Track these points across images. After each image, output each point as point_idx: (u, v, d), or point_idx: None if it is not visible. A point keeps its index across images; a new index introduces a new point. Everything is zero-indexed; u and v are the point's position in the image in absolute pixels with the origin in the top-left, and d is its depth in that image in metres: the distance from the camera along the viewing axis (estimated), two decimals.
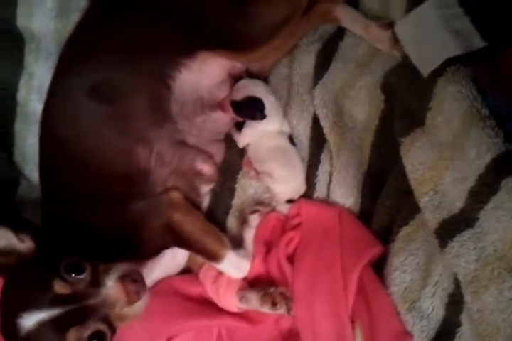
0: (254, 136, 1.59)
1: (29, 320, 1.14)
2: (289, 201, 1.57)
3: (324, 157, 1.54)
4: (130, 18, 1.50)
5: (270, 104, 1.57)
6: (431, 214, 1.21)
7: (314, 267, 1.42)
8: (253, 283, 1.48)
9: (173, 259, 1.55)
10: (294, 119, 1.59)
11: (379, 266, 1.39)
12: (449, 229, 1.16)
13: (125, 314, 1.23)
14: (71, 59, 1.53)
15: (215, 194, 1.65)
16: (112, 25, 1.50)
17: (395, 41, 1.37)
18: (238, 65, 1.61)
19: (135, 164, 1.45)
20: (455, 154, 1.16)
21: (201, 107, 1.56)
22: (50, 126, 1.52)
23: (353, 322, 1.35)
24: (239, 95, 1.56)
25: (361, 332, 1.33)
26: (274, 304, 1.39)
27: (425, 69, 1.21)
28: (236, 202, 1.63)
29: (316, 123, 1.56)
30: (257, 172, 1.58)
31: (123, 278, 1.21)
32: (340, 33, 1.56)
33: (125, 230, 1.40)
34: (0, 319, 1.22)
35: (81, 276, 1.19)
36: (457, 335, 1.20)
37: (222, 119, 1.61)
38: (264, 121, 1.56)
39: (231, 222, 1.63)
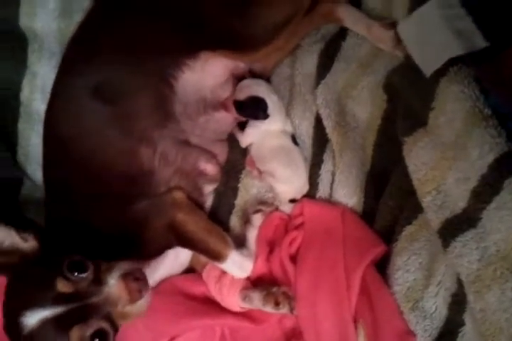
0: (257, 135, 1.60)
1: (32, 318, 1.15)
2: (292, 200, 1.57)
3: (327, 156, 1.54)
4: (133, 18, 1.50)
5: (273, 103, 1.57)
6: (433, 214, 1.21)
7: (317, 267, 1.42)
8: (256, 283, 1.49)
9: (176, 259, 1.55)
10: (297, 119, 1.59)
11: (382, 266, 1.39)
12: (452, 229, 1.16)
13: (127, 312, 1.24)
14: (74, 59, 1.54)
15: (218, 193, 1.66)
16: (115, 25, 1.50)
17: (398, 41, 1.36)
18: (241, 65, 1.61)
19: (138, 164, 1.46)
20: (458, 154, 1.16)
21: (204, 107, 1.56)
22: (54, 126, 1.53)
23: (355, 321, 1.35)
24: (242, 95, 1.57)
25: (364, 331, 1.33)
26: (276, 303, 1.39)
27: (428, 69, 1.21)
28: (239, 201, 1.64)
29: (318, 122, 1.56)
30: (260, 172, 1.58)
31: (125, 277, 1.22)
32: (342, 33, 1.56)
33: (128, 230, 1.40)
34: (3, 317, 1.22)
35: (83, 275, 1.20)
36: (460, 335, 1.20)
37: (225, 119, 1.61)
38: (266, 121, 1.57)
39: (234, 221, 1.64)
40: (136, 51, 1.47)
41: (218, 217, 1.64)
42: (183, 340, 1.50)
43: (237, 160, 1.66)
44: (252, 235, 1.55)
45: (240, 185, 1.64)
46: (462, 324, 1.20)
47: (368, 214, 1.49)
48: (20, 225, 1.29)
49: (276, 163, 1.55)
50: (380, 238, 1.42)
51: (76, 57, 1.54)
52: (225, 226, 1.61)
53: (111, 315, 1.21)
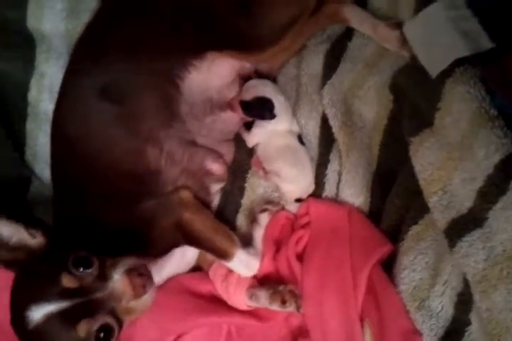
0: (263, 135, 1.60)
1: (38, 313, 1.16)
2: (298, 200, 1.57)
3: (333, 156, 1.54)
4: (140, 19, 1.51)
5: (279, 103, 1.58)
6: (440, 214, 1.21)
7: (324, 266, 1.42)
8: (263, 281, 1.49)
9: (183, 257, 1.56)
10: (303, 119, 1.60)
11: (388, 265, 1.40)
12: (458, 229, 1.17)
13: (132, 307, 1.24)
14: (82, 59, 1.55)
15: (224, 193, 1.67)
16: (122, 26, 1.51)
17: (404, 41, 1.36)
18: (247, 65, 1.62)
19: (145, 164, 1.47)
20: (464, 154, 1.16)
21: (210, 107, 1.57)
22: (61, 126, 1.54)
23: (362, 320, 1.36)
24: (248, 95, 1.57)
25: (370, 330, 1.34)
26: (283, 302, 1.40)
27: (434, 69, 1.21)
28: (246, 201, 1.65)
29: (325, 122, 1.56)
30: (266, 172, 1.58)
31: (129, 272, 1.22)
32: (348, 33, 1.56)
33: (135, 228, 1.41)
34: (10, 312, 1.24)
35: (88, 270, 1.21)
36: (466, 334, 1.20)
37: (232, 119, 1.62)
38: (273, 121, 1.58)
39: (241, 220, 1.65)
40: (142, 52, 1.48)
41: (225, 216, 1.65)
42: (190, 338, 1.50)
43: (243, 159, 1.66)
44: (258, 234, 1.56)
45: (246, 184, 1.65)
46: (468, 323, 1.20)
47: (374, 214, 1.49)
48: (28, 223, 1.30)
49: (283, 162, 1.56)
50: (386, 237, 1.42)
51: (83, 57, 1.55)
52: (232, 226, 1.62)
53: (116, 311, 1.22)
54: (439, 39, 1.21)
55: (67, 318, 1.16)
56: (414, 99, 1.33)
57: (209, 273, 1.54)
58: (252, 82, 1.62)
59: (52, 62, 1.75)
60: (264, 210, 1.57)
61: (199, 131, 1.55)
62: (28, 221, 1.31)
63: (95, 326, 1.18)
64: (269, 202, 1.61)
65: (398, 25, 1.40)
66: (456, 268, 1.22)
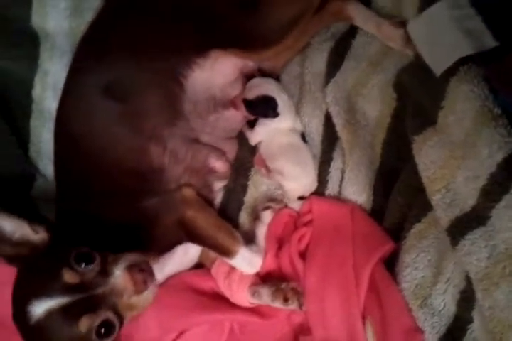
0: (266, 133, 1.60)
1: (39, 308, 1.17)
2: (301, 198, 1.58)
3: (336, 154, 1.55)
4: (143, 17, 1.51)
5: (283, 102, 1.58)
6: (443, 212, 1.22)
7: (326, 263, 1.43)
8: (265, 279, 1.50)
9: (185, 254, 1.56)
10: (306, 117, 1.60)
11: (391, 263, 1.40)
12: (461, 227, 1.17)
13: (133, 303, 1.25)
14: (85, 58, 1.55)
15: (227, 190, 1.67)
16: (125, 24, 1.51)
17: (408, 40, 1.36)
18: (250, 64, 1.62)
19: (148, 161, 1.47)
20: (467, 153, 1.16)
21: (214, 105, 1.57)
22: (65, 123, 1.54)
23: (364, 318, 1.36)
24: (251, 94, 1.57)
25: (372, 328, 1.34)
26: (285, 299, 1.40)
27: (438, 68, 1.21)
28: (248, 198, 1.65)
29: (328, 120, 1.56)
30: (268, 170, 1.59)
31: (130, 268, 1.23)
32: (352, 31, 1.56)
33: (138, 226, 1.42)
34: (12, 307, 1.24)
35: (90, 266, 1.21)
36: (468, 332, 1.20)
37: (235, 117, 1.62)
38: (276, 119, 1.58)
39: (243, 218, 1.65)
40: (146, 50, 1.48)
41: (227, 213, 1.65)
42: (192, 335, 1.50)
43: (246, 157, 1.66)
44: (261, 232, 1.56)
45: (249, 182, 1.65)
46: (471, 321, 1.20)
47: (376, 212, 1.49)
48: (32, 219, 1.31)
49: (285, 160, 1.56)
50: (388, 235, 1.42)
51: (87, 55, 1.55)
52: (235, 223, 1.62)
53: (117, 306, 1.22)
54: (443, 38, 1.21)
55: (68, 313, 1.17)
56: (417, 98, 1.33)
57: (211, 270, 1.55)
58: (256, 81, 1.62)
59: (56, 60, 1.75)
60: (266, 208, 1.57)
61: (202, 129, 1.56)
62: (31, 217, 1.31)
63: (97, 321, 1.18)
64: (272, 199, 1.61)
65: (402, 24, 1.40)
66: (458, 266, 1.22)
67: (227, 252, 1.46)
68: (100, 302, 1.19)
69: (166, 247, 1.50)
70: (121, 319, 1.24)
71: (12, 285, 1.26)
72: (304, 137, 1.61)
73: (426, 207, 1.30)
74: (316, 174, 1.58)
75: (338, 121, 1.53)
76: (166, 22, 1.49)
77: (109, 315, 1.20)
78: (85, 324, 1.17)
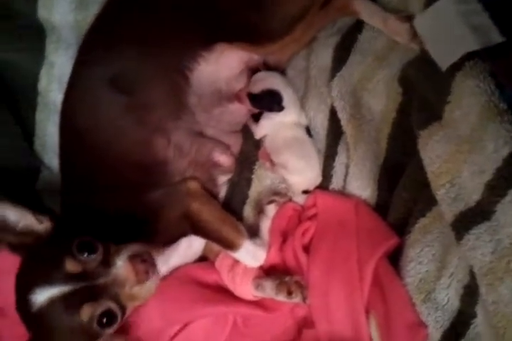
0: (271, 127, 1.61)
1: (41, 296, 1.18)
2: (305, 192, 1.58)
3: (341, 149, 1.55)
4: (149, 10, 1.51)
5: (288, 95, 1.58)
6: (447, 207, 1.22)
7: (330, 258, 1.43)
8: (269, 272, 1.50)
9: (189, 247, 1.57)
10: (312, 111, 1.60)
11: (395, 258, 1.40)
12: (466, 222, 1.17)
13: (135, 294, 1.26)
14: (91, 50, 1.55)
15: (232, 184, 1.67)
16: (131, 17, 1.52)
17: (414, 34, 1.36)
18: (255, 57, 1.62)
19: (153, 154, 1.48)
20: (473, 148, 1.16)
21: (218, 99, 1.57)
22: (70, 116, 1.55)
23: (367, 312, 1.36)
24: (256, 88, 1.57)
25: (376, 322, 1.34)
26: (289, 293, 1.40)
27: (444, 63, 1.21)
28: (253, 192, 1.65)
29: (333, 115, 1.56)
30: (273, 164, 1.59)
31: (132, 258, 1.24)
32: (358, 26, 1.56)
33: (143, 218, 1.42)
34: (15, 295, 1.25)
35: (93, 256, 1.22)
36: (472, 326, 1.20)
37: (239, 111, 1.62)
38: (281, 113, 1.58)
39: (248, 211, 1.65)
40: (152, 43, 1.48)
41: (232, 207, 1.65)
42: (196, 327, 1.51)
43: (250, 151, 1.67)
44: (265, 225, 1.56)
45: (253, 176, 1.65)
46: (474, 316, 1.20)
47: (381, 207, 1.49)
48: (37, 210, 1.32)
49: (290, 154, 1.56)
50: (393, 230, 1.42)
51: (93, 48, 1.55)
52: (239, 217, 1.62)
53: (119, 297, 1.23)
54: (450, 33, 1.21)
55: (70, 302, 1.18)
56: (423, 92, 1.33)
57: (215, 263, 1.55)
58: (261, 74, 1.62)
59: (62, 52, 1.76)
60: (271, 201, 1.57)
61: (207, 122, 1.56)
62: (36, 208, 1.32)
63: (98, 311, 1.19)
64: (276, 193, 1.61)
65: (408, 19, 1.40)
66: (462, 261, 1.23)
67: (231, 245, 1.46)
68: (102, 292, 1.21)
69: (170, 239, 1.50)
70: (123, 309, 1.25)
71: (14, 275, 1.27)
72: (308, 131, 1.61)
73: (431, 201, 1.30)
74: (321, 168, 1.58)
75: (343, 116, 1.52)
76: (172, 15, 1.49)
77: (111, 304, 1.22)
78: (87, 312, 1.18)
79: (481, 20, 1.17)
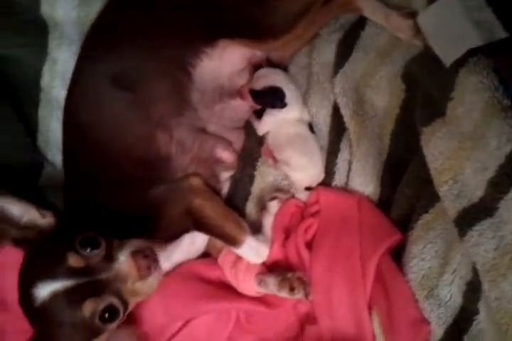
0: (273, 123, 1.60)
1: (44, 290, 1.18)
2: (308, 188, 1.58)
3: (344, 145, 1.55)
4: (152, 6, 1.51)
5: (290, 92, 1.58)
6: (450, 203, 1.21)
7: (333, 254, 1.43)
8: (272, 268, 1.50)
9: (192, 244, 1.57)
10: (314, 108, 1.60)
11: (397, 254, 1.40)
12: (469, 218, 1.17)
13: (137, 289, 1.26)
14: (94, 47, 1.55)
15: (234, 181, 1.67)
16: (134, 13, 1.52)
17: (417, 30, 1.36)
18: (258, 54, 1.62)
19: (156, 150, 1.48)
20: (476, 144, 1.16)
21: (220, 95, 1.57)
22: (73, 113, 1.55)
23: (370, 308, 1.36)
24: (258, 84, 1.57)
25: (378, 318, 1.34)
26: (292, 289, 1.40)
27: (447, 59, 1.21)
28: (255, 188, 1.65)
29: (336, 111, 1.56)
30: (276, 161, 1.59)
31: (135, 254, 1.24)
32: (361, 22, 1.56)
33: (145, 214, 1.42)
34: (18, 289, 1.26)
35: (95, 251, 1.23)
36: (474, 323, 1.20)
37: (241, 107, 1.62)
38: (284, 110, 1.58)
39: (250, 208, 1.65)
40: (154, 39, 1.49)
41: (234, 203, 1.65)
42: (199, 323, 1.51)
43: (253, 147, 1.66)
44: (268, 222, 1.56)
45: (256, 172, 1.65)
46: (477, 312, 1.20)
47: (384, 203, 1.49)
48: (40, 205, 1.32)
49: (293, 151, 1.56)
50: (395, 226, 1.42)
51: (95, 44, 1.55)
52: (241, 213, 1.62)
53: (121, 292, 1.24)
54: (453, 29, 1.21)
55: (72, 297, 1.18)
56: (427, 88, 1.33)
57: (218, 259, 1.55)
58: (263, 71, 1.62)
59: (64, 48, 1.77)
60: (273, 198, 1.57)
61: (209, 118, 1.56)
62: (39, 204, 1.33)
63: (101, 306, 1.20)
64: (279, 189, 1.61)
65: (411, 15, 1.40)
66: (465, 257, 1.22)
67: (233, 241, 1.46)
68: (104, 287, 1.21)
69: (172, 236, 1.51)
70: (125, 305, 1.26)
71: (18, 271, 1.27)
72: (311, 127, 1.61)
73: (433, 198, 1.30)
74: (323, 165, 1.58)
75: (346, 112, 1.52)
76: (175, 11, 1.49)
77: (114, 300, 1.22)
78: (89, 308, 1.19)
79: (484, 16, 1.16)
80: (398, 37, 1.47)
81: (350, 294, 1.37)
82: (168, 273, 1.49)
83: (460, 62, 1.19)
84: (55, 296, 1.18)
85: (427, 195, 1.34)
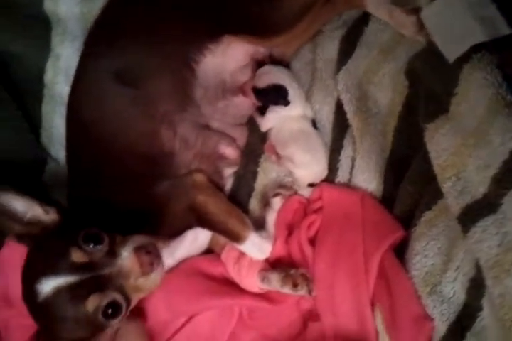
0: (277, 120, 1.60)
1: (47, 286, 1.19)
2: (311, 185, 1.58)
3: (347, 142, 1.54)
4: (155, 2, 1.51)
5: (293, 90, 1.58)
6: (454, 200, 1.21)
7: (336, 250, 1.43)
8: (275, 265, 1.50)
9: (195, 240, 1.57)
10: (317, 104, 1.59)
11: (400, 251, 1.40)
12: (472, 215, 1.16)
13: (140, 285, 1.27)
14: (97, 43, 1.55)
15: (237, 177, 1.67)
16: (137, 9, 1.51)
17: (420, 27, 1.35)
18: (261, 50, 1.62)
19: (159, 146, 1.48)
20: (478, 142, 1.16)
21: (223, 92, 1.57)
22: (77, 109, 1.55)
23: (373, 305, 1.37)
24: (262, 82, 1.57)
25: (381, 315, 1.35)
26: (295, 285, 1.41)
27: (451, 55, 1.21)
28: (258, 185, 1.65)
29: (339, 108, 1.55)
30: (278, 157, 1.59)
31: (138, 250, 1.25)
32: (365, 18, 1.54)
33: (149, 210, 1.43)
34: (22, 285, 1.26)
35: (98, 247, 1.23)
36: (478, 319, 1.20)
37: (244, 104, 1.62)
38: (287, 107, 1.58)
39: (253, 204, 1.65)
40: (158, 35, 1.48)
41: (238, 200, 1.65)
42: (202, 319, 1.52)
43: (256, 144, 1.66)
44: (271, 218, 1.56)
45: (259, 168, 1.65)
46: (480, 309, 1.19)
47: (387, 200, 1.49)
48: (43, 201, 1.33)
49: (296, 147, 1.56)
50: (398, 223, 1.42)
51: (99, 41, 1.55)
52: (245, 209, 1.62)
53: (124, 288, 1.24)
54: (457, 25, 1.20)
55: (76, 292, 1.19)
56: (430, 84, 1.32)
57: (221, 255, 1.55)
58: (266, 68, 1.62)
59: (68, 44, 1.77)
60: (277, 194, 1.57)
61: (212, 115, 1.56)
62: (43, 201, 1.33)
63: (104, 301, 1.20)
64: (282, 186, 1.61)
65: (414, 11, 1.38)
66: (468, 254, 1.22)
67: (237, 237, 1.47)
68: (107, 283, 1.21)
69: (176, 232, 1.51)
70: (128, 301, 1.26)
71: (21, 268, 1.28)
72: (314, 124, 1.61)
73: (437, 194, 1.30)
74: (327, 161, 1.58)
75: (349, 109, 1.52)
76: (178, 7, 1.49)
77: (117, 296, 1.22)
78: (92, 303, 1.19)
79: (488, 12, 1.16)
80: (401, 33, 1.45)
81: (353, 290, 1.38)
82: (171, 269, 1.50)
83: (464, 58, 1.18)
84: (58, 292, 1.18)
85: (429, 192, 1.33)
